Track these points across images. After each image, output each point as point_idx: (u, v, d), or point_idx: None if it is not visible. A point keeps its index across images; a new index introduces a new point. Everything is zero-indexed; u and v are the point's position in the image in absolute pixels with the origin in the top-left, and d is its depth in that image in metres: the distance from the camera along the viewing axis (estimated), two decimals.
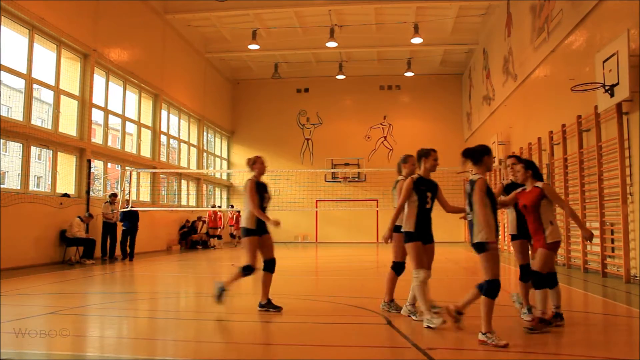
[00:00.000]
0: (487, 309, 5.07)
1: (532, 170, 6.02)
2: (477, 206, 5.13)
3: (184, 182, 23.56)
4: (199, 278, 12.08)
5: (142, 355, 4.90)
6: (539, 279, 5.70)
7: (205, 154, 26.23)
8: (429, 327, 5.71)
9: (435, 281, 6.57)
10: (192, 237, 21.95)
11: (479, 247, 5.16)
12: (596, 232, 10.89)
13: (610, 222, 10.88)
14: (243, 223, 6.96)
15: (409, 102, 29.31)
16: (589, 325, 6.22)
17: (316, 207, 26.68)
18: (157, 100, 20.72)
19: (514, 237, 6.34)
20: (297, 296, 8.76)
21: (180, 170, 22.51)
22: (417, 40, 22.17)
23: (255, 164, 7.12)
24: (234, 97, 29.88)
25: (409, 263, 6.18)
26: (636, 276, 9.70)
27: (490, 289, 5.11)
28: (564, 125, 13.16)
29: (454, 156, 29.19)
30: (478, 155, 5.37)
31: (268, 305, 6.89)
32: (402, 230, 6.07)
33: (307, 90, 29.67)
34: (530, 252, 6.22)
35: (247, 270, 6.85)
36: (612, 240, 10.79)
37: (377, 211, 27.18)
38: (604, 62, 10.13)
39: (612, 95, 9.93)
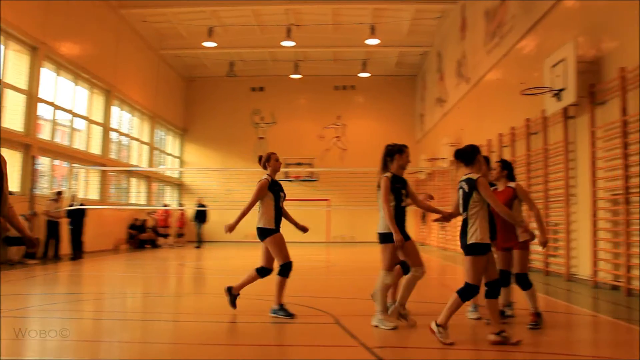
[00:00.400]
0: (453, 309, 5.06)
1: (507, 170, 6.11)
2: (494, 202, 5.10)
3: (134, 180, 23.10)
4: (147, 278, 11.84)
5: (86, 357, 4.76)
6: (524, 279, 5.79)
7: (157, 152, 25.79)
8: (377, 326, 5.69)
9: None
10: (141, 236, 21.53)
11: (472, 249, 5.08)
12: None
13: (554, 223, 11.16)
14: (260, 223, 6.74)
15: (363, 103, 29.48)
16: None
17: None
18: (108, 96, 20.25)
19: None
20: (246, 296, 8.67)
21: (130, 168, 22.06)
22: (373, 41, 22.30)
23: (270, 161, 6.90)
24: (187, 95, 29.46)
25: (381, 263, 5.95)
26: (576, 274, 9.98)
27: (466, 292, 5.08)
28: (513, 128, 13.44)
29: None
30: (471, 155, 5.32)
31: (280, 311, 6.48)
32: (380, 231, 5.87)
33: (262, 89, 29.49)
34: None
35: (287, 269, 6.61)
36: (555, 240, 11.08)
37: (329, 211, 27.24)
38: (553, 67, 10.39)
39: (559, 99, 10.19)
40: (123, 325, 6.23)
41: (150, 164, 24.64)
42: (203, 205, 22.41)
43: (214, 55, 26.26)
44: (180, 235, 24.55)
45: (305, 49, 25.33)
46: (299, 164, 28.09)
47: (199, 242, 21.83)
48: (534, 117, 12.14)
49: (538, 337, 5.35)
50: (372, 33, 21.93)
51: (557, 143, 10.92)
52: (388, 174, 5.87)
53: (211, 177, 25.99)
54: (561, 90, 10.03)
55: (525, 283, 5.80)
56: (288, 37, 22.24)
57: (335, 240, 27.87)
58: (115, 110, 21.05)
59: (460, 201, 5.27)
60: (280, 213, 6.84)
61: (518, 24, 13.41)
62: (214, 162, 28.40)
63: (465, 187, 5.19)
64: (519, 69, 13.57)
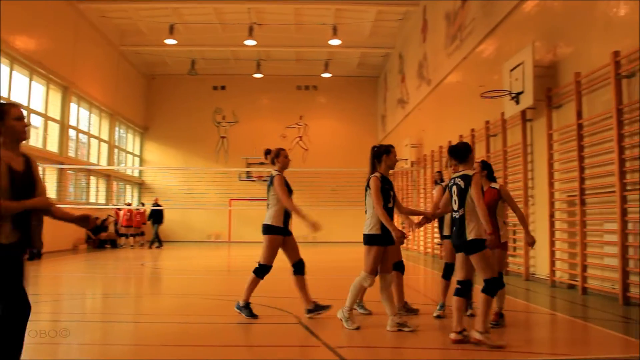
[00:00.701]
0: (486, 308, 5.01)
1: (487, 170, 6.17)
2: (478, 201, 5.04)
3: (93, 179, 22.67)
4: (107, 278, 11.64)
5: (45, 359, 4.66)
6: (500, 279, 5.69)
7: (116, 150, 25.36)
8: (342, 320, 5.72)
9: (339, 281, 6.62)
10: (101, 236, 21.15)
11: (474, 245, 5.06)
12: None
13: (513, 223, 11.39)
14: (268, 220, 6.53)
15: (325, 103, 29.56)
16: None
17: (230, 206, 26.42)
18: (66, 92, 19.80)
19: (446, 237, 6.63)
20: (209, 296, 8.62)
21: (89, 167, 21.63)
22: (335, 42, 22.39)
23: (279, 157, 6.73)
24: (148, 93, 29.04)
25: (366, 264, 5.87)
26: (535, 274, 10.21)
27: (491, 287, 5.04)
28: (473, 130, 13.67)
29: (368, 157, 29.61)
30: (465, 153, 5.34)
31: (316, 309, 6.32)
32: (366, 232, 5.75)
33: (223, 87, 29.28)
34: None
35: (264, 271, 6.42)
36: (515, 240, 11.32)
37: None
38: (511, 71, 10.60)
39: (517, 102, 10.40)
40: (82, 327, 6.12)
41: (110, 163, 24.22)
42: (158, 205, 22.05)
43: (175, 52, 25.97)
44: (138, 234, 24.13)
45: (267, 49, 25.28)
46: (261, 164, 27.98)
47: (159, 242, 21.48)
48: (493, 120, 12.37)
49: (498, 336, 5.46)
50: (335, 34, 22.02)
51: (515, 145, 11.15)
52: (377, 174, 5.79)
53: (172, 176, 25.69)
54: (519, 93, 10.25)
55: (500, 282, 5.86)
56: (250, 36, 22.16)
57: (298, 240, 27.66)
58: (73, 107, 20.60)
59: (455, 198, 5.24)
60: (289, 212, 6.68)
61: (478, 27, 13.65)
62: (175, 161, 28.08)
63: (462, 183, 5.18)
64: (479, 71, 13.81)
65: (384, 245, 5.69)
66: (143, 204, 24.46)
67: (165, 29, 22.19)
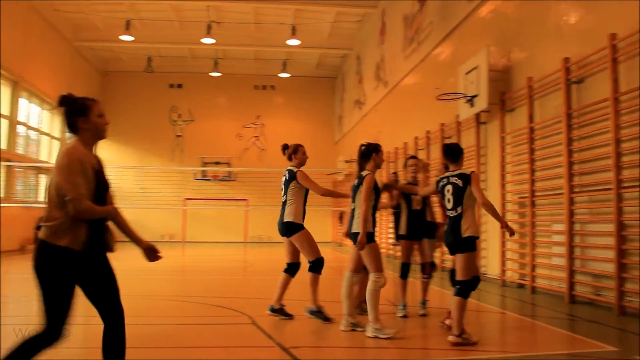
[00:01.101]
0: (460, 311, 5.06)
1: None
2: (482, 198, 5.15)
3: (43, 177, 22.07)
4: None
5: None
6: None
7: None
8: (377, 337, 5.30)
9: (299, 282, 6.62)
10: None
11: (468, 243, 5.14)
12: None
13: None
14: (289, 217, 6.31)
15: (283, 103, 29.52)
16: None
17: (185, 206, 26.12)
18: (16, 87, 19.21)
19: (402, 237, 6.77)
20: (162, 297, 8.51)
21: (39, 164, 21.04)
22: (294, 42, 22.39)
23: (297, 153, 6.53)
24: (103, 89, 28.37)
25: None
26: (485, 274, 10.41)
27: (466, 289, 5.11)
28: (428, 132, 13.85)
29: (325, 158, 29.57)
30: (458, 153, 5.45)
31: (280, 312, 6.31)
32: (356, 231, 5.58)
33: (180, 85, 28.92)
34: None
35: (320, 265, 6.23)
36: None
37: (247, 211, 27.11)
38: (467, 74, 10.78)
39: (472, 105, 10.58)
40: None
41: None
42: None
43: (131, 49, 25.50)
44: None
45: (225, 47, 25.08)
46: (217, 163, 27.78)
47: None
48: (448, 122, 12.56)
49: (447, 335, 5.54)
50: (293, 34, 22.01)
51: (470, 147, 11.34)
52: (371, 173, 5.71)
53: (126, 174, 25.20)
54: (474, 96, 10.43)
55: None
56: (208, 34, 21.94)
57: (253, 240, 27.75)
58: (23, 102, 20.01)
59: (450, 197, 5.29)
60: (305, 209, 6.49)
61: (435, 30, 13.84)
62: (130, 159, 27.54)
63: (460, 182, 5.23)
64: (435, 74, 14.00)
65: (374, 242, 5.60)
66: None
67: (121, 24, 21.77)
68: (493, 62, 10.34)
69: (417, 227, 6.71)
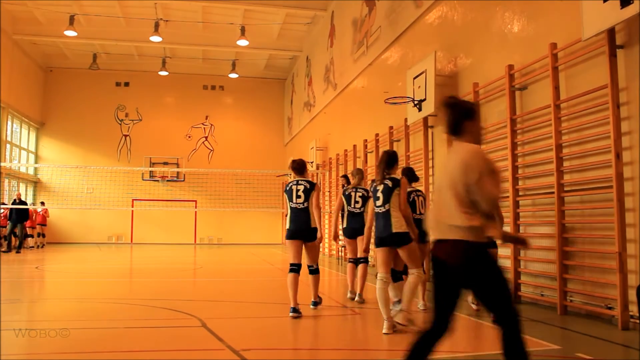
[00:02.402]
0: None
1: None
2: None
3: None
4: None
5: None
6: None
7: (8, 146, 23.90)
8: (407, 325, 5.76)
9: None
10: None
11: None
12: None
13: None
14: (400, 228, 5.91)
15: (232, 104, 29.33)
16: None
17: (132, 207, 25.64)
18: None
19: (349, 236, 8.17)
20: (109, 300, 8.34)
21: None
22: (243, 42, 22.28)
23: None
24: (45, 86, 27.53)
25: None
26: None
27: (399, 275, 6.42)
28: (377, 135, 14.02)
29: (274, 159, 29.50)
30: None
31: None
32: (400, 231, 5.79)
33: (127, 84, 28.36)
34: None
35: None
36: None
37: (196, 212, 26.85)
38: (414, 78, 10.98)
39: (420, 109, 10.79)
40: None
41: (1, 159, 22.78)
42: (24, 202, 20.54)
43: (75, 45, 24.85)
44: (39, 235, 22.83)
45: (173, 46, 24.73)
46: (165, 164, 27.37)
47: (19, 244, 19.21)
48: (397, 125, 12.75)
49: (398, 335, 5.64)
50: (243, 34, 21.92)
51: (418, 150, 11.56)
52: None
53: (71, 174, 24.54)
54: (422, 100, 10.64)
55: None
56: (156, 32, 21.62)
57: (202, 242, 27.50)
58: None
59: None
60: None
61: (383, 35, 14.03)
62: (75, 158, 26.78)
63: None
64: (383, 78, 14.19)
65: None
66: (43, 203, 23.05)
67: (65, 19, 21.15)
68: (440, 67, 10.56)
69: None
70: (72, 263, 15.80)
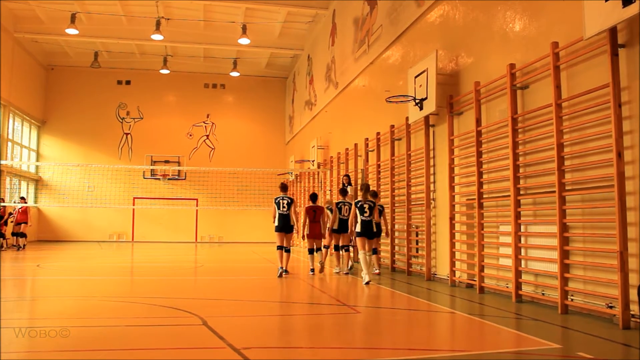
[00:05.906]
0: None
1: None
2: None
3: None
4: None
5: None
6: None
7: (9, 144, 23.90)
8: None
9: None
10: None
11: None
12: (403, 235, 11.98)
13: (415, 225, 11.82)
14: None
15: (233, 102, 29.33)
16: (395, 321, 6.69)
17: (133, 205, 25.66)
18: None
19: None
20: (110, 298, 8.35)
21: None
22: (244, 41, 22.28)
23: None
24: (47, 84, 27.55)
25: None
26: (436, 274, 10.63)
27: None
28: (378, 133, 14.02)
29: (275, 158, 29.60)
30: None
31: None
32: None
33: (128, 82, 28.37)
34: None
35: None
36: (417, 242, 11.73)
37: (197, 210, 26.86)
38: (416, 77, 10.97)
39: (421, 108, 10.78)
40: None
41: (3, 157, 22.78)
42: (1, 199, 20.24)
43: (77, 43, 24.87)
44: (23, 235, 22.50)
45: (175, 44, 24.75)
46: (166, 162, 27.39)
47: None
48: (398, 124, 12.75)
49: (401, 334, 5.66)
50: (244, 33, 21.93)
51: (419, 149, 11.55)
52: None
53: (72, 172, 24.56)
54: (423, 99, 10.63)
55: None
56: (157, 30, 21.62)
57: (203, 240, 27.52)
58: None
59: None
60: None
61: (385, 34, 14.02)
62: (76, 157, 26.82)
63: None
64: (385, 76, 14.19)
65: None
66: (23, 199, 22.58)
67: (66, 17, 21.19)
68: (441, 66, 10.55)
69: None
70: (73, 261, 15.80)
